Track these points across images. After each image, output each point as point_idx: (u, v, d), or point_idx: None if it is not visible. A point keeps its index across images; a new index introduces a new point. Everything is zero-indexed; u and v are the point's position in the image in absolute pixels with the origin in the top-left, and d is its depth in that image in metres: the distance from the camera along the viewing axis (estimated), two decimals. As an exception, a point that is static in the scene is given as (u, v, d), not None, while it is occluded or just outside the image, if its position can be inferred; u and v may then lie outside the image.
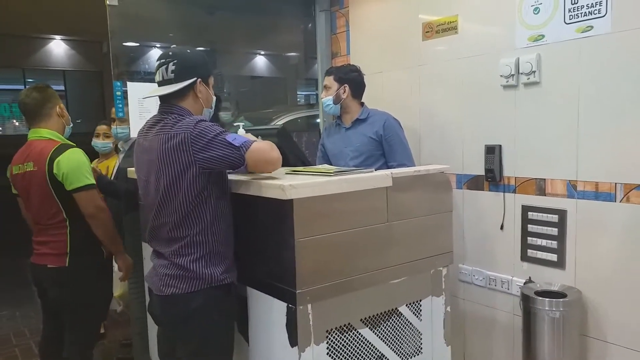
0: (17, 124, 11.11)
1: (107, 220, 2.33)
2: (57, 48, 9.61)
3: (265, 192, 1.67)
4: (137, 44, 3.41)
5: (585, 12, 2.13)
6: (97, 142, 3.41)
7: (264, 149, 1.69)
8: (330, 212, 1.69)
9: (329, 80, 2.64)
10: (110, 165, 3.35)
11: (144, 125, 1.84)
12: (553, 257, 2.35)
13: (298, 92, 5.61)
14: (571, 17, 2.18)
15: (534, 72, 2.31)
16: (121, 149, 3.17)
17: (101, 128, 3.42)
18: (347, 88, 2.62)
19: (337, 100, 2.62)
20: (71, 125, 2.43)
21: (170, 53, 1.77)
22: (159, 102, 1.83)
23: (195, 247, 1.71)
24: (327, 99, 2.64)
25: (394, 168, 2.42)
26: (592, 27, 2.12)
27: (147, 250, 2.46)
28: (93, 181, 2.28)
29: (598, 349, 2.23)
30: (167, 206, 1.70)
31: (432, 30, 2.80)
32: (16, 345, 3.73)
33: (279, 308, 1.69)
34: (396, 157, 2.54)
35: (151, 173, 1.73)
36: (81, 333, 2.39)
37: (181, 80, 1.74)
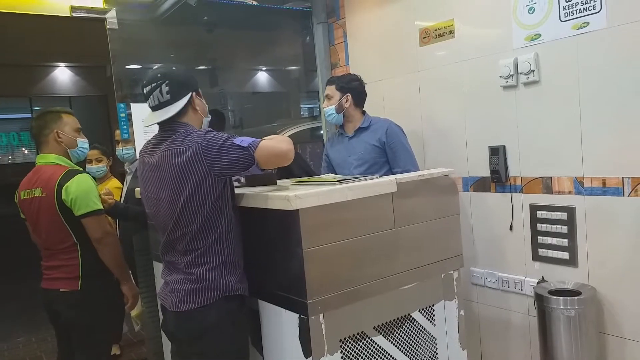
0: (26, 152, 11.25)
1: (114, 245, 2.34)
2: (62, 75, 9.75)
3: (271, 203, 1.68)
4: (139, 66, 3.46)
5: (580, 9, 2.14)
6: (92, 168, 3.42)
7: (271, 144, 1.70)
8: (336, 220, 1.70)
9: (331, 90, 2.66)
10: (109, 187, 3.36)
11: (147, 144, 1.86)
12: (565, 255, 2.33)
13: (301, 106, 5.64)
14: (566, 14, 2.19)
15: (533, 71, 2.31)
16: (127, 170, 3.20)
17: (92, 153, 3.44)
18: (349, 97, 2.64)
19: (339, 109, 2.64)
20: (77, 147, 2.40)
21: (159, 75, 1.77)
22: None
23: (211, 255, 1.72)
24: (329, 108, 2.65)
25: (399, 174, 2.43)
26: (587, 23, 2.13)
27: (158, 269, 2.47)
28: (101, 206, 2.29)
29: (616, 346, 2.20)
30: (186, 219, 1.71)
31: (429, 36, 2.82)
32: (33, 370, 3.74)
33: (290, 319, 1.69)
34: (400, 163, 2.55)
35: (162, 189, 1.74)
36: (92, 355, 2.39)
37: (178, 98, 1.76)
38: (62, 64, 9.52)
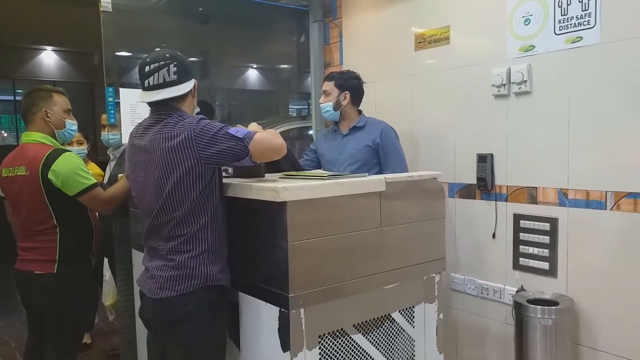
0: (5, 134, 11.02)
1: (117, 204, 2.32)
2: (48, 59, 9.59)
3: (259, 194, 1.66)
4: (130, 54, 3.41)
5: (574, 23, 2.18)
6: (72, 150, 3.36)
7: (267, 137, 1.71)
8: (323, 215, 1.68)
9: (330, 86, 2.64)
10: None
11: (138, 126, 1.83)
12: (545, 265, 2.35)
13: (290, 106, 5.64)
14: (561, 28, 2.22)
15: (525, 81, 2.34)
16: (112, 155, 3.15)
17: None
18: (347, 95, 2.63)
19: (337, 106, 2.63)
20: (65, 129, 2.36)
21: (167, 55, 1.77)
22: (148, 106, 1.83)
23: (194, 243, 1.70)
24: (327, 104, 2.64)
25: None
26: (581, 37, 2.16)
27: (137, 257, 2.43)
28: (92, 180, 2.23)
29: (590, 357, 2.23)
30: (171, 205, 1.69)
31: (424, 41, 2.83)
32: (0, 355, 3.64)
33: (271, 312, 1.67)
34: (390, 165, 2.55)
35: (151, 173, 1.71)
36: (63, 342, 2.33)
37: (184, 81, 1.77)
38: (48, 48, 9.37)
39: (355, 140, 2.63)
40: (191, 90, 1.81)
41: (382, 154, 2.57)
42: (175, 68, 1.74)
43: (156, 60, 1.75)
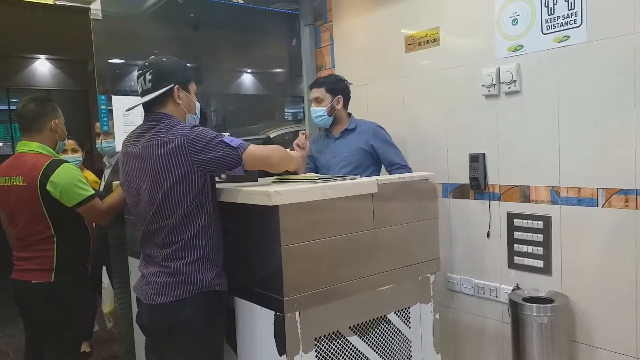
0: (0, 144, 10.99)
1: (112, 216, 2.33)
2: (42, 67, 9.58)
3: (251, 199, 1.67)
4: (122, 61, 3.41)
5: (561, 23, 2.20)
6: (67, 158, 3.37)
7: (260, 147, 1.75)
8: (316, 218, 1.69)
9: (321, 92, 2.62)
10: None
11: (131, 134, 1.84)
12: (539, 263, 2.37)
13: (285, 110, 5.65)
14: (548, 27, 2.24)
15: (515, 81, 2.36)
16: (107, 163, 3.15)
17: (68, 143, 3.39)
18: (340, 99, 2.63)
19: (331, 111, 2.63)
20: (65, 141, 2.42)
21: (147, 63, 1.79)
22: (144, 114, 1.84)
23: (189, 250, 1.71)
24: (319, 109, 2.61)
25: (399, 170, 2.51)
26: (568, 36, 2.18)
27: (133, 264, 2.43)
28: (90, 192, 2.24)
29: (586, 354, 2.24)
30: (165, 211, 1.69)
31: (414, 43, 2.85)
32: (-1, 367, 3.64)
33: (266, 316, 1.67)
34: (394, 159, 2.57)
35: (144, 180, 1.72)
36: (61, 351, 2.33)
37: (158, 88, 1.76)
38: (42, 56, 9.35)
39: (347, 142, 2.64)
40: (169, 95, 1.78)
41: (380, 152, 2.59)
42: (150, 76, 1.76)
43: (139, 68, 1.80)
